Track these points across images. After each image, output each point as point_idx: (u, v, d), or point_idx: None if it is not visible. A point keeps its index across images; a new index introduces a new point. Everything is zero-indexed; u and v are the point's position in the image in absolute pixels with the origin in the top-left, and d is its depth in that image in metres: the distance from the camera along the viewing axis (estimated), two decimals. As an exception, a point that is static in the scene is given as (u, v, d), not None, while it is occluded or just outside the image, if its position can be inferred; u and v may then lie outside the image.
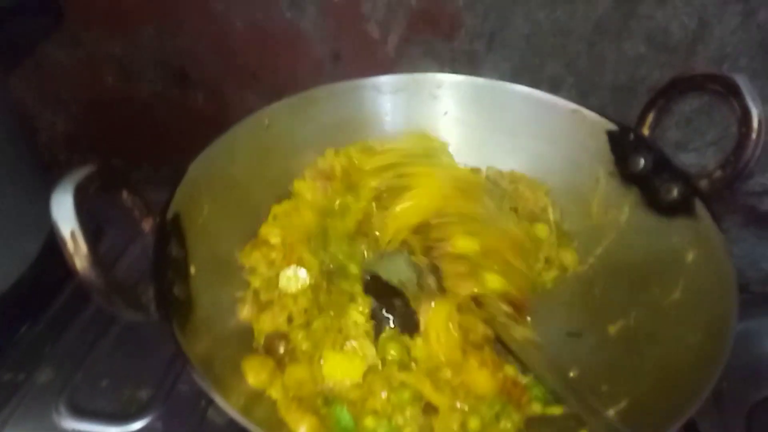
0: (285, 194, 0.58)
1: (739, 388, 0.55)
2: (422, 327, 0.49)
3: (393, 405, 0.44)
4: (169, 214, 0.45)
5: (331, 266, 0.54)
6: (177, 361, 0.55)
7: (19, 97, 0.80)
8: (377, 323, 0.50)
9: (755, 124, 0.43)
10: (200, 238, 0.48)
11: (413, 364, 0.47)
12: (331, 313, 0.50)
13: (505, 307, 0.50)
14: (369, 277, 0.54)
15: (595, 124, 0.54)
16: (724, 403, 0.53)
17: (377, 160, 0.60)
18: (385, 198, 0.58)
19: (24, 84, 0.79)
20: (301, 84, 0.59)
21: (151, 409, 0.52)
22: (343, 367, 0.46)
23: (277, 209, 0.57)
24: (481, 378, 0.45)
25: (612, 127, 0.53)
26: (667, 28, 0.60)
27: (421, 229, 0.55)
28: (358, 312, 0.50)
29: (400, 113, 0.62)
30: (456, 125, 0.62)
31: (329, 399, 0.44)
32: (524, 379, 0.47)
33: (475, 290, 0.50)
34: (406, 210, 0.56)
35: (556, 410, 0.45)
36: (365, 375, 0.46)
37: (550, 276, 0.55)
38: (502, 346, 0.49)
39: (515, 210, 0.58)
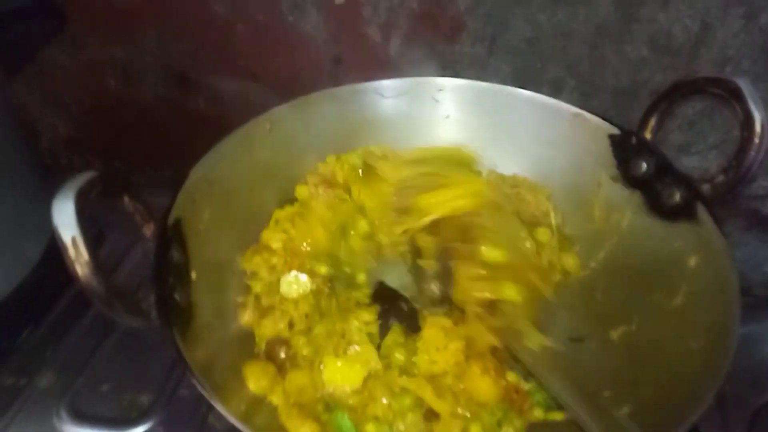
0: (287, 199, 0.58)
1: (742, 392, 0.55)
2: (422, 337, 0.49)
3: (394, 411, 0.44)
4: (171, 220, 0.45)
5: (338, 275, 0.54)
6: (178, 367, 0.55)
7: (21, 101, 0.80)
8: (383, 325, 0.50)
9: (758, 128, 0.43)
10: (201, 243, 0.48)
11: (415, 369, 0.47)
12: (334, 318, 0.50)
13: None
14: (377, 283, 0.54)
15: (597, 128, 0.54)
16: (726, 407, 0.53)
17: (407, 159, 0.59)
18: (408, 194, 0.57)
19: (26, 87, 0.79)
20: (303, 87, 0.59)
21: (152, 414, 0.52)
22: (343, 372, 0.46)
23: (279, 214, 0.57)
24: (484, 385, 0.45)
25: (614, 131, 0.53)
26: (670, 31, 0.60)
27: (442, 228, 0.54)
28: (362, 317, 0.50)
29: (401, 117, 0.62)
30: (457, 129, 0.62)
31: (330, 405, 0.44)
32: (526, 386, 0.46)
33: (493, 295, 0.50)
34: (441, 199, 0.55)
35: (557, 416, 0.45)
36: (366, 381, 0.46)
37: (551, 281, 0.54)
38: (510, 356, 0.49)
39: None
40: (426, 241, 0.54)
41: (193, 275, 0.46)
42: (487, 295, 0.49)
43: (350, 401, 0.45)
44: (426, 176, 0.57)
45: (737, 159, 0.45)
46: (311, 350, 0.48)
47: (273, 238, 0.54)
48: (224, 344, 0.46)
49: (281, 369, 0.47)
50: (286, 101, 0.57)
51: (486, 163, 0.61)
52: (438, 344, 0.48)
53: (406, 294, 0.54)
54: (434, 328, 0.49)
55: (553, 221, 0.57)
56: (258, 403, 0.44)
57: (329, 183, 0.59)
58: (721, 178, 0.46)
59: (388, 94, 0.61)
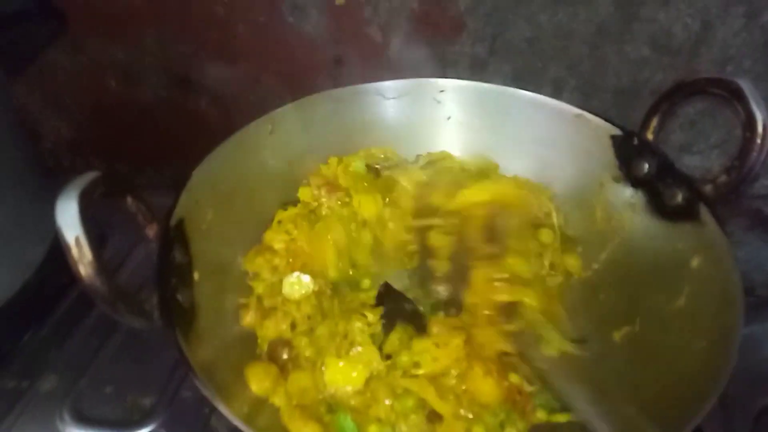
0: (289, 200, 0.58)
1: (746, 393, 0.54)
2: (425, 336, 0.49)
3: (397, 412, 0.44)
4: (173, 220, 0.45)
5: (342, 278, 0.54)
6: (180, 368, 0.55)
7: (22, 103, 0.80)
8: (387, 326, 0.50)
9: (760, 128, 0.43)
10: (204, 244, 0.48)
11: (418, 369, 0.47)
12: (336, 319, 0.50)
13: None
14: (381, 285, 0.54)
15: (599, 129, 0.54)
16: (730, 407, 0.53)
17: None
18: (428, 193, 0.58)
19: (27, 90, 0.79)
20: (304, 88, 0.59)
21: (154, 416, 0.52)
22: (345, 373, 0.46)
23: (281, 215, 0.57)
24: (486, 386, 0.45)
25: (616, 131, 0.53)
26: (670, 31, 0.60)
27: (465, 227, 0.55)
28: (365, 318, 0.49)
29: (403, 118, 0.62)
30: (459, 130, 0.62)
31: (332, 407, 0.44)
32: (529, 388, 0.46)
33: (512, 298, 0.50)
34: (479, 189, 0.56)
35: (561, 418, 0.45)
36: (368, 382, 0.46)
37: (554, 282, 0.54)
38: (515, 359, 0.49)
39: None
40: (440, 240, 0.54)
41: (196, 276, 0.46)
42: (506, 297, 0.49)
43: (352, 402, 0.45)
44: (447, 177, 0.58)
45: (739, 159, 0.44)
46: (314, 351, 0.48)
47: (275, 239, 0.54)
48: (226, 345, 0.46)
49: (283, 370, 0.47)
50: (287, 102, 0.57)
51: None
52: (439, 341, 0.48)
53: (410, 296, 0.54)
54: (436, 326, 0.49)
55: (556, 222, 0.57)
56: (260, 404, 0.44)
57: (332, 185, 0.59)
58: (723, 178, 0.46)
59: (389, 95, 0.61)
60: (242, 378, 0.45)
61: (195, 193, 0.48)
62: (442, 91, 0.61)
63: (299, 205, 0.58)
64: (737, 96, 0.44)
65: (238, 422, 0.36)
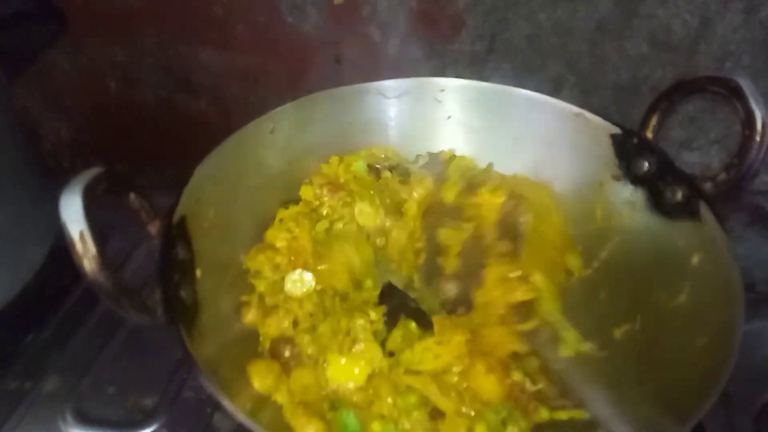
0: (291, 199, 0.59)
1: (747, 390, 0.55)
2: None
3: (399, 409, 0.44)
4: (176, 218, 0.45)
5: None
6: (182, 368, 0.55)
7: (22, 105, 0.80)
8: (389, 324, 0.50)
9: (759, 126, 0.43)
10: (206, 241, 0.48)
11: (420, 366, 0.47)
12: (338, 316, 0.50)
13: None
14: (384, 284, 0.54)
15: (599, 128, 0.54)
16: (731, 404, 0.53)
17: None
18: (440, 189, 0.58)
19: (27, 91, 0.79)
20: (304, 88, 0.59)
21: (156, 417, 0.52)
22: (347, 370, 0.46)
23: (283, 213, 0.57)
24: (488, 383, 0.45)
25: (615, 130, 0.53)
26: (669, 27, 0.60)
27: (480, 225, 0.55)
28: (367, 316, 0.50)
29: (403, 118, 0.62)
30: (459, 129, 0.62)
31: (335, 404, 0.45)
32: (532, 387, 0.46)
33: (528, 296, 0.50)
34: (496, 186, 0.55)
35: (563, 415, 0.45)
36: (371, 378, 0.46)
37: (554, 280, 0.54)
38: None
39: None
40: (451, 238, 0.54)
41: (198, 273, 0.46)
42: (524, 295, 0.49)
43: (355, 399, 0.45)
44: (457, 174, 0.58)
45: (739, 157, 0.44)
46: (316, 349, 0.48)
47: (277, 237, 0.55)
48: (229, 343, 0.46)
49: (286, 368, 0.47)
50: (287, 102, 0.57)
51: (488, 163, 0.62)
52: (442, 338, 0.48)
53: (415, 294, 0.54)
54: (439, 324, 0.50)
55: (556, 221, 0.57)
56: (263, 401, 0.44)
57: (334, 185, 0.59)
58: (723, 176, 0.46)
59: (389, 95, 0.61)
60: (245, 375, 0.45)
61: (197, 191, 0.48)
62: (442, 90, 0.61)
63: (301, 203, 0.58)
64: (736, 94, 0.44)
65: (242, 418, 0.36)
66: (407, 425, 0.43)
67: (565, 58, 0.64)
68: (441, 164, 0.62)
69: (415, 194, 0.60)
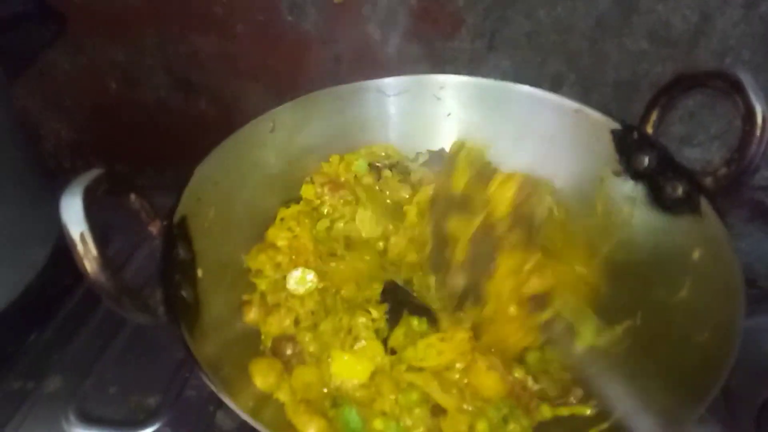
0: (292, 198, 0.59)
1: (749, 385, 0.55)
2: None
3: (401, 406, 0.44)
4: (176, 218, 0.45)
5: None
6: (184, 368, 0.56)
7: (22, 105, 0.81)
8: (392, 321, 0.50)
9: (759, 120, 0.43)
10: (207, 241, 0.48)
11: (422, 363, 0.47)
12: (340, 314, 0.50)
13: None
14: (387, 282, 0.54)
15: (599, 124, 0.54)
16: (733, 400, 0.53)
17: None
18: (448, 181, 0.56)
19: (28, 92, 0.79)
20: (304, 87, 0.59)
21: (159, 416, 0.52)
22: (350, 366, 0.46)
23: (284, 212, 0.57)
24: (489, 380, 0.45)
25: (615, 126, 0.53)
26: (669, 22, 0.60)
27: (493, 215, 0.53)
28: (369, 314, 0.50)
29: (403, 115, 0.62)
30: (460, 126, 0.62)
31: (337, 401, 0.45)
32: (534, 385, 0.46)
33: (544, 287, 0.49)
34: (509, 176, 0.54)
35: (565, 411, 0.45)
36: (373, 376, 0.46)
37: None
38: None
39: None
40: (461, 229, 0.53)
41: (200, 273, 0.46)
42: (541, 285, 0.49)
43: (357, 396, 0.45)
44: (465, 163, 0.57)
45: (739, 152, 0.44)
46: (317, 347, 0.48)
47: (278, 237, 0.55)
48: (230, 342, 0.47)
49: (288, 366, 0.47)
50: (287, 101, 0.57)
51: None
52: (444, 335, 0.48)
53: (416, 292, 0.54)
54: (444, 320, 0.50)
55: (557, 217, 0.57)
56: (265, 399, 0.44)
57: (335, 184, 0.59)
58: (723, 171, 0.46)
59: (389, 92, 0.61)
60: (247, 374, 0.45)
61: (197, 191, 0.48)
62: (442, 87, 0.61)
63: (302, 202, 0.58)
64: (737, 88, 0.44)
65: (244, 416, 0.36)
66: (409, 422, 0.43)
67: (564, 55, 0.64)
68: (449, 154, 0.61)
69: (414, 198, 0.60)
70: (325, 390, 0.46)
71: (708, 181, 0.47)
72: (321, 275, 0.53)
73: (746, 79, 0.43)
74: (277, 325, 0.49)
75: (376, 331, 0.49)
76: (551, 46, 0.64)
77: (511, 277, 0.49)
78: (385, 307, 0.51)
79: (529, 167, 0.59)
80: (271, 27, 0.68)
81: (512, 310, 0.49)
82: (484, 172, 0.56)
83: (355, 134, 0.61)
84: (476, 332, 0.49)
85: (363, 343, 0.47)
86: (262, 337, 0.50)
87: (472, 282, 0.51)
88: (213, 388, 0.37)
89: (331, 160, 0.61)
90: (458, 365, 0.46)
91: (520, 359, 0.48)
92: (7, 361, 0.57)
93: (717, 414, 0.51)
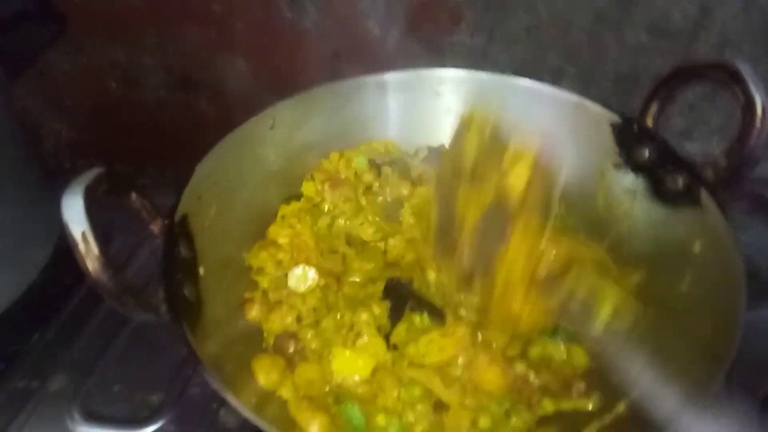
0: (292, 195, 0.59)
1: (751, 378, 0.54)
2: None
3: (403, 402, 0.44)
4: (177, 216, 0.45)
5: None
6: (187, 365, 0.56)
7: (22, 105, 0.81)
8: (394, 317, 0.50)
9: (759, 111, 0.42)
10: (208, 239, 0.48)
11: (425, 359, 0.47)
12: (342, 311, 0.50)
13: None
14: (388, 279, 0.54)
15: (599, 117, 0.54)
16: (735, 393, 0.53)
17: None
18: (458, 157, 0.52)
19: (28, 92, 0.80)
20: (303, 84, 0.59)
21: (163, 413, 0.52)
22: (352, 362, 0.46)
23: (285, 210, 0.57)
24: (491, 375, 0.45)
25: (615, 118, 0.53)
26: (668, 15, 0.59)
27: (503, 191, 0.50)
28: (371, 311, 0.50)
29: (403, 111, 0.62)
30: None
31: (340, 397, 0.45)
32: (536, 380, 0.46)
33: (558, 266, 0.47)
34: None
35: (567, 405, 0.45)
36: (375, 372, 0.46)
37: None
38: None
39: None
40: (469, 206, 0.50)
41: (201, 271, 0.46)
42: (553, 265, 0.47)
43: (359, 392, 0.45)
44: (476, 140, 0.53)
45: (739, 143, 0.44)
46: (320, 343, 0.48)
47: (279, 234, 0.55)
48: (233, 339, 0.47)
49: (290, 363, 0.47)
50: (288, 97, 0.57)
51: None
52: (446, 330, 0.48)
53: (417, 290, 0.54)
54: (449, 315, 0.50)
55: (557, 210, 0.57)
56: (268, 397, 0.44)
57: (335, 181, 0.59)
58: (723, 162, 0.46)
59: (389, 88, 0.61)
60: (249, 372, 0.45)
61: (197, 189, 0.48)
62: (441, 82, 0.61)
63: (302, 199, 0.58)
64: (736, 79, 0.44)
65: (248, 414, 0.37)
66: (411, 418, 0.43)
67: (564, 49, 0.64)
68: (459, 126, 0.55)
69: (410, 200, 0.60)
70: (328, 387, 0.46)
71: (708, 173, 0.47)
72: (323, 272, 0.53)
73: (745, 70, 0.43)
74: (279, 322, 0.50)
75: (378, 328, 0.49)
76: (551, 41, 0.64)
77: (524, 256, 0.47)
78: (387, 304, 0.51)
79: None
80: (270, 24, 0.68)
81: (524, 289, 0.47)
82: (496, 145, 0.52)
83: (354, 130, 0.61)
84: (484, 314, 0.48)
85: (365, 339, 0.47)
86: (264, 334, 0.50)
87: (481, 261, 0.49)
88: (216, 386, 0.37)
89: (330, 157, 0.61)
90: (460, 361, 0.46)
91: (522, 354, 0.48)
92: (11, 361, 0.57)
93: (718, 407, 0.51)
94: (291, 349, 0.48)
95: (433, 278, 0.54)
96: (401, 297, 0.52)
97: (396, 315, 0.50)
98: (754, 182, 0.67)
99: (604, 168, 0.55)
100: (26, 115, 0.82)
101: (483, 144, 0.52)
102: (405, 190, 0.61)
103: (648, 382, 0.42)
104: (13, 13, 0.67)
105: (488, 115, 0.54)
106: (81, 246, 0.33)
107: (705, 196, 0.46)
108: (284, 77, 0.73)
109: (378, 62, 0.69)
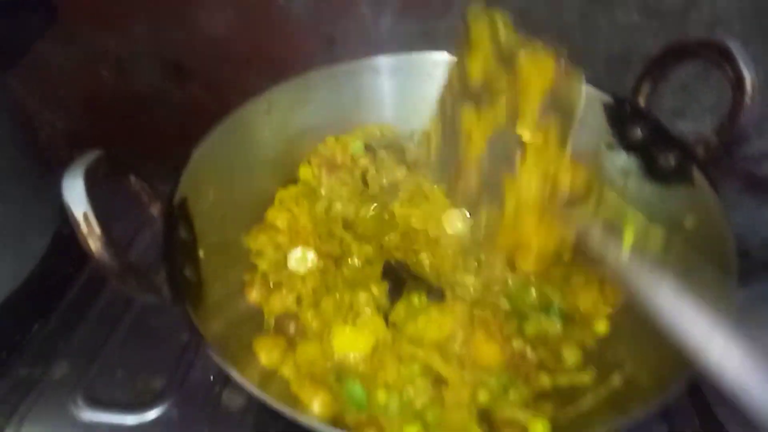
0: (290, 179, 0.59)
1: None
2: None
3: (403, 378, 0.45)
4: (176, 199, 0.45)
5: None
6: (189, 350, 0.56)
7: (17, 97, 0.80)
8: (393, 295, 0.51)
9: (749, 88, 0.43)
10: (207, 222, 0.49)
11: (423, 335, 0.48)
12: (341, 291, 0.50)
13: None
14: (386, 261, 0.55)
15: (591, 97, 0.54)
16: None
17: None
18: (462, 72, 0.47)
19: (21, 83, 0.79)
20: (297, 70, 0.59)
21: (165, 397, 0.53)
22: (352, 339, 0.47)
23: (282, 194, 0.57)
24: (489, 350, 0.46)
25: (608, 99, 0.54)
26: (660, -5, 0.60)
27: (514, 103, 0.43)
28: (370, 290, 0.50)
29: (397, 94, 0.63)
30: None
31: (341, 375, 0.45)
32: (533, 355, 0.47)
33: (575, 186, 0.42)
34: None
35: (563, 379, 0.46)
36: (375, 349, 0.47)
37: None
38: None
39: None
40: (475, 121, 0.45)
41: (201, 253, 0.47)
42: (570, 185, 0.42)
43: (360, 369, 0.46)
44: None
45: (729, 120, 0.45)
46: (320, 323, 0.49)
47: (278, 218, 0.55)
48: (234, 321, 0.47)
49: (291, 343, 0.48)
50: (283, 82, 0.58)
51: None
52: (444, 307, 0.48)
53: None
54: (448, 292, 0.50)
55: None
56: (270, 376, 0.45)
57: (332, 165, 0.59)
58: (714, 139, 0.47)
59: (383, 71, 0.61)
60: (251, 352, 0.46)
61: (196, 173, 0.49)
62: (435, 65, 0.61)
63: (299, 183, 0.59)
64: (726, 57, 0.44)
65: (253, 389, 0.37)
66: (411, 393, 0.44)
67: (556, 30, 0.64)
68: (464, 27, 0.49)
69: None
70: (329, 364, 0.46)
71: (699, 150, 0.47)
72: (321, 255, 0.53)
73: (736, 48, 0.44)
74: (279, 303, 0.50)
75: (377, 308, 0.50)
76: (543, 22, 0.64)
77: (539, 175, 0.42)
78: (386, 284, 0.52)
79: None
80: (263, 10, 0.68)
81: (537, 215, 0.42)
82: (507, 50, 0.46)
83: (350, 114, 0.62)
84: (492, 236, 0.45)
85: (366, 315, 0.48)
86: (265, 316, 0.51)
87: (490, 182, 0.46)
88: (220, 363, 0.38)
89: (327, 141, 0.61)
90: (458, 337, 0.47)
91: (518, 330, 0.49)
92: (14, 350, 0.57)
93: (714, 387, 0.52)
94: (292, 330, 0.49)
95: (427, 261, 0.55)
96: (400, 278, 0.52)
97: (395, 295, 0.51)
98: (746, 160, 0.68)
99: (597, 148, 0.55)
100: (21, 107, 0.81)
101: (492, 56, 0.46)
102: (400, 174, 0.61)
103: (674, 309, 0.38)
104: (2, 4, 0.66)
105: (498, 19, 0.48)
106: (83, 227, 0.33)
107: (697, 173, 0.47)
108: (278, 64, 0.72)
109: (371, 47, 0.69)
